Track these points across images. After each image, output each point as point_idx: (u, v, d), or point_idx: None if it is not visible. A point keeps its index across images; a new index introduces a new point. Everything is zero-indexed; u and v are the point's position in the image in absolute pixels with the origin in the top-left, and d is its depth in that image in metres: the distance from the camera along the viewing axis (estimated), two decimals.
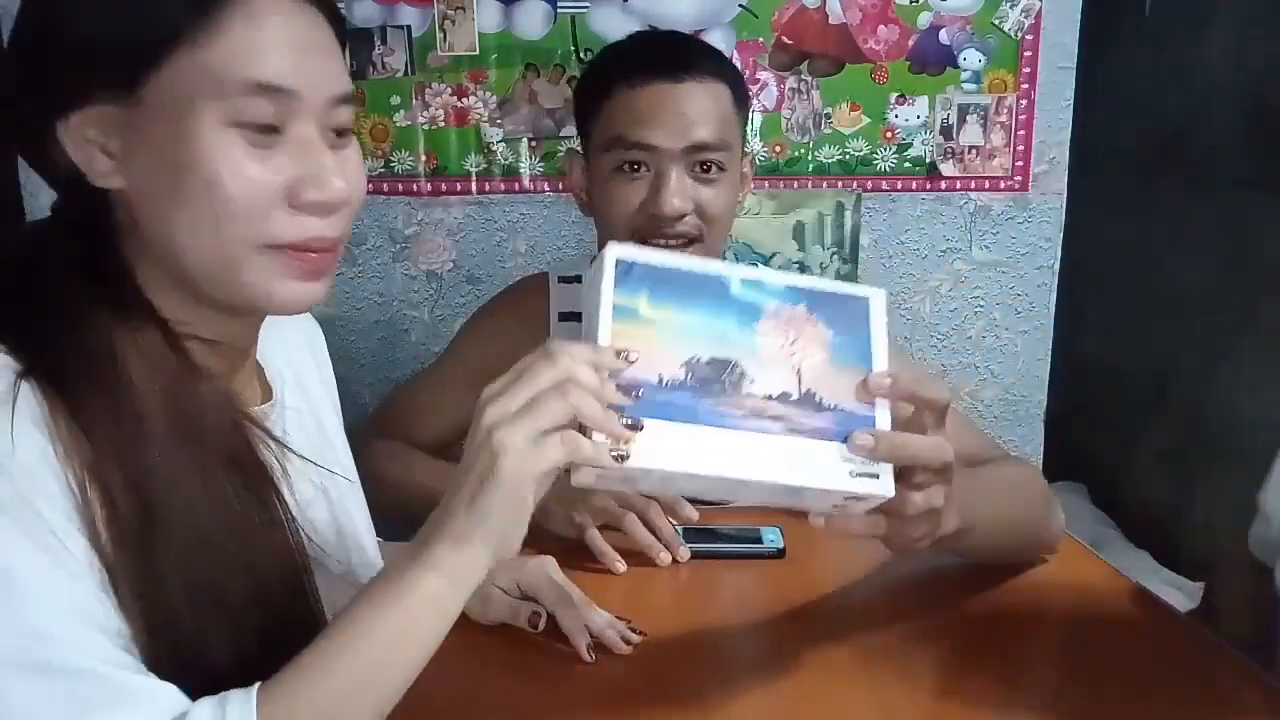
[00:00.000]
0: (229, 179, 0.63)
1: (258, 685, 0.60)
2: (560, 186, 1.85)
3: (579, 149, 1.21)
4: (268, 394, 0.81)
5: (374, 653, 0.62)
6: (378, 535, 0.92)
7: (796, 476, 0.69)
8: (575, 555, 1.03)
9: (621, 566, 1.02)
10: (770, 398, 0.70)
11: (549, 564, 0.94)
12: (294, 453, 0.75)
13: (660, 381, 0.68)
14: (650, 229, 1.12)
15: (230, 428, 0.70)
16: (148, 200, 0.65)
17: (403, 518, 1.01)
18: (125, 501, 0.62)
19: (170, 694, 0.59)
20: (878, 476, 0.71)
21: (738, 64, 1.81)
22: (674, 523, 1.07)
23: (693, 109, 1.10)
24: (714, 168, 1.12)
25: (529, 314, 1.30)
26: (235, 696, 0.59)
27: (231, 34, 0.63)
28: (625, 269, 0.69)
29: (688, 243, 1.13)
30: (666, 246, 1.11)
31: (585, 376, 0.64)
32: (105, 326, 0.65)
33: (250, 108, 0.63)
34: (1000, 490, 1.03)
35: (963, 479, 0.99)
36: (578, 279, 1.30)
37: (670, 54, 1.13)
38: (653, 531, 1.05)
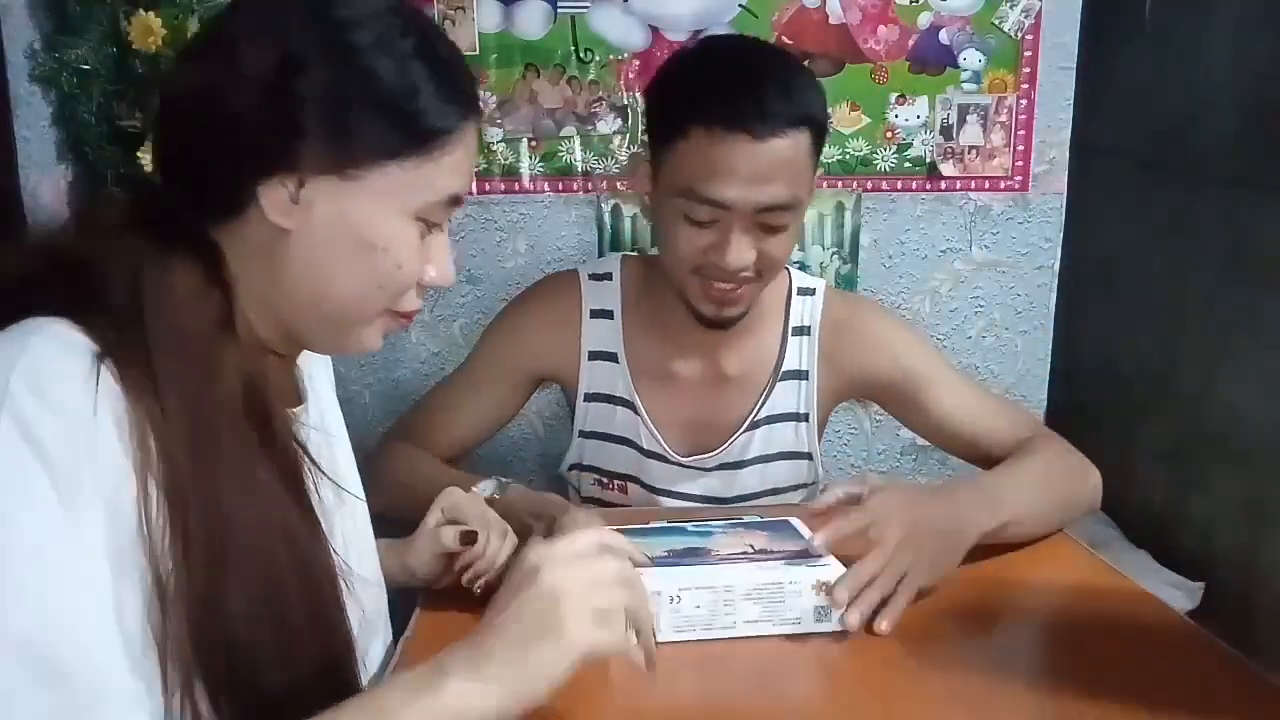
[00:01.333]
0: (407, 265, 0.74)
1: None
2: (559, 186, 1.86)
3: (645, 154, 1.17)
4: (298, 398, 0.84)
5: None
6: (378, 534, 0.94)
7: (770, 575, 0.90)
8: None
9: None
10: (736, 554, 0.94)
11: (472, 494, 1.01)
12: (324, 474, 0.77)
13: (649, 559, 0.90)
14: (710, 271, 1.13)
15: (291, 445, 0.73)
16: (317, 249, 0.71)
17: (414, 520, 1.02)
18: (196, 504, 0.64)
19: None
20: (827, 564, 0.92)
21: None
22: None
23: (770, 169, 1.06)
24: (779, 232, 1.11)
25: (561, 310, 1.30)
26: None
27: (451, 155, 0.73)
28: None
29: (743, 284, 1.15)
30: (724, 289, 1.14)
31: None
32: (203, 329, 0.68)
33: (438, 212, 0.75)
34: (1035, 480, 1.11)
35: (992, 480, 1.12)
36: (608, 276, 1.30)
37: (756, 102, 1.05)
38: None
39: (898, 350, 1.27)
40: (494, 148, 1.83)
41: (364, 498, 0.92)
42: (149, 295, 0.66)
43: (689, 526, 1.01)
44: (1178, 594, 1.57)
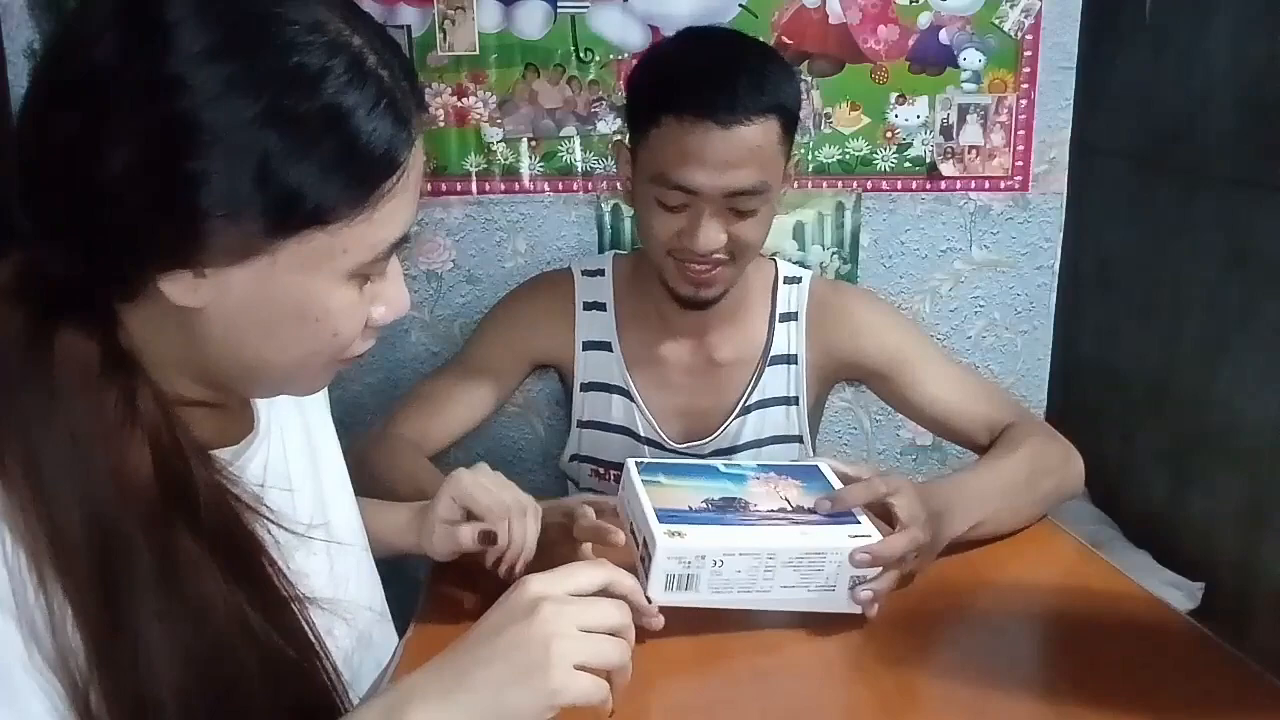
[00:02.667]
0: (345, 326, 0.65)
1: None
2: (559, 186, 1.85)
3: (626, 142, 1.22)
4: (250, 424, 0.77)
5: None
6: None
7: (811, 543, 0.90)
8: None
9: (619, 538, 0.95)
10: (773, 511, 0.93)
11: (481, 471, 0.95)
12: (273, 520, 0.69)
13: (689, 509, 0.91)
14: (684, 254, 1.16)
15: (225, 507, 0.66)
16: (236, 324, 0.62)
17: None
18: (108, 613, 0.57)
19: None
20: (868, 534, 0.91)
21: None
22: None
23: (737, 155, 1.09)
24: (748, 216, 1.14)
25: (555, 302, 1.35)
26: None
27: (393, 200, 0.62)
28: (644, 467, 0.98)
29: (717, 265, 1.17)
30: (698, 270, 1.16)
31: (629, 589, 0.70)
32: (99, 415, 0.59)
33: (379, 264, 0.64)
34: (1009, 478, 1.11)
35: (971, 482, 1.11)
36: (600, 271, 1.35)
37: (724, 91, 1.08)
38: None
39: (883, 333, 1.30)
40: (494, 148, 1.83)
41: (353, 500, 0.89)
42: (33, 381, 0.57)
43: (720, 467, 1.01)
44: (1178, 594, 1.57)
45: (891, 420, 1.96)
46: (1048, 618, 1.03)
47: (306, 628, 0.69)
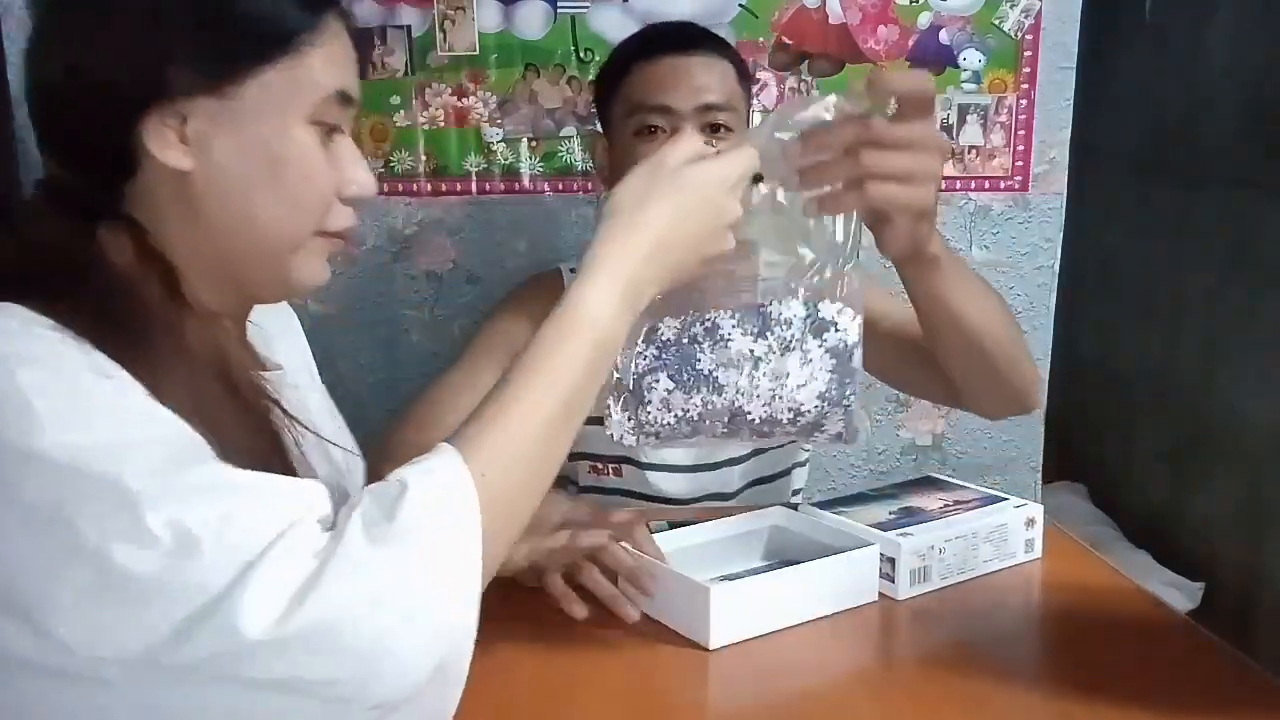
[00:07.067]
0: (315, 174, 0.73)
1: (458, 441, 0.68)
2: (559, 186, 1.85)
3: (601, 131, 1.35)
4: (258, 364, 0.83)
5: (555, 381, 0.78)
6: None
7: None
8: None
9: (581, 611, 0.95)
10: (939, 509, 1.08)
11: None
12: (312, 431, 0.77)
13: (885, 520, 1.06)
14: None
15: (264, 411, 0.73)
16: (222, 181, 0.70)
17: None
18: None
19: (318, 488, 0.63)
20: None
21: None
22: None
23: (702, 77, 1.24)
24: (723, 129, 1.24)
25: (548, 303, 1.32)
26: (438, 462, 0.67)
27: (323, 48, 0.72)
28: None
29: None
30: None
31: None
32: (156, 303, 0.68)
33: (330, 111, 0.73)
34: (992, 295, 1.15)
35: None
36: None
37: (680, 33, 1.31)
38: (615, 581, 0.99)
39: (875, 313, 1.29)
40: (494, 148, 1.83)
41: (358, 453, 0.93)
42: (93, 279, 0.66)
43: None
44: (1178, 594, 1.57)
45: (891, 420, 1.96)
46: (1047, 617, 1.03)
47: None
